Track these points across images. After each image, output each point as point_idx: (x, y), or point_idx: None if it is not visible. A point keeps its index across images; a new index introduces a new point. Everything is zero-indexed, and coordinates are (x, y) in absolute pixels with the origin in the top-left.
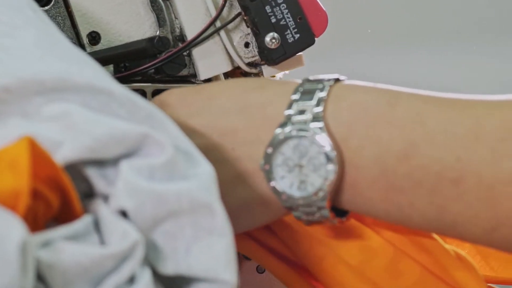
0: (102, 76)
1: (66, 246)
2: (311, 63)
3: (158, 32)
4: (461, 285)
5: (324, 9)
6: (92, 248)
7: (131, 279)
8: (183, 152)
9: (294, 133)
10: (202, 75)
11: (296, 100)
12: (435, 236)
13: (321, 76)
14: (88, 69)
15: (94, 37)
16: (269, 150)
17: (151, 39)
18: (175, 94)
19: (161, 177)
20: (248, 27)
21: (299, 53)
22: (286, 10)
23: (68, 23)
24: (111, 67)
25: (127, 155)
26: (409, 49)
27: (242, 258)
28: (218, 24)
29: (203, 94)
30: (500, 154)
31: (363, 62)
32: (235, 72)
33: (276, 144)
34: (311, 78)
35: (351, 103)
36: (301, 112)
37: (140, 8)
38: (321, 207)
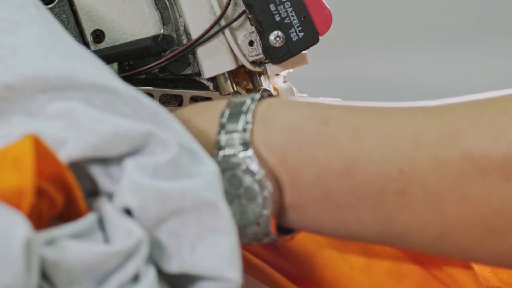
0: (106, 74)
1: (71, 244)
2: (315, 61)
3: (162, 31)
4: (463, 287)
5: (328, 7)
6: (96, 246)
7: (136, 277)
8: (187, 150)
9: (225, 165)
10: (207, 74)
11: (223, 126)
12: None
13: (244, 97)
14: (92, 67)
15: (98, 35)
16: None
17: (155, 38)
18: None
19: (166, 175)
20: (252, 25)
21: (304, 52)
22: (291, 9)
23: (72, 21)
24: (115, 65)
25: (132, 153)
26: (414, 48)
27: None
28: (222, 22)
29: None
30: (442, 161)
31: (367, 61)
32: (239, 71)
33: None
34: (236, 99)
35: (280, 125)
36: (229, 141)
37: (145, 6)
38: (266, 233)
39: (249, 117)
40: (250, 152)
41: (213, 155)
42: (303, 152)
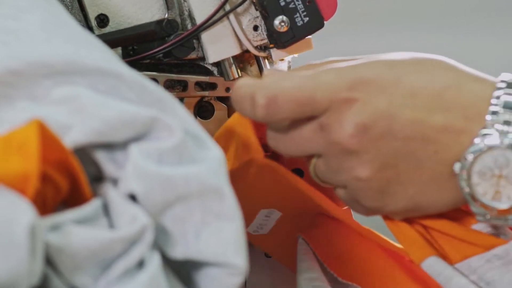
0: (111, 59)
1: (75, 230)
2: (319, 46)
3: (166, 15)
4: None
5: None
6: (101, 232)
7: (140, 263)
8: (192, 135)
9: (497, 144)
10: (211, 58)
11: (497, 106)
12: None
13: None
14: (96, 51)
15: (103, 20)
16: (469, 157)
17: (159, 22)
18: (374, 75)
19: (171, 160)
20: (257, 10)
21: (308, 36)
22: None
23: (76, 5)
24: (119, 49)
25: (137, 138)
26: (419, 29)
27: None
28: (227, 7)
29: (404, 88)
30: None
31: (371, 45)
32: (244, 55)
33: (476, 152)
34: (509, 80)
35: None
36: (505, 122)
37: None
38: (511, 219)
39: None
40: None
41: (483, 130)
42: None
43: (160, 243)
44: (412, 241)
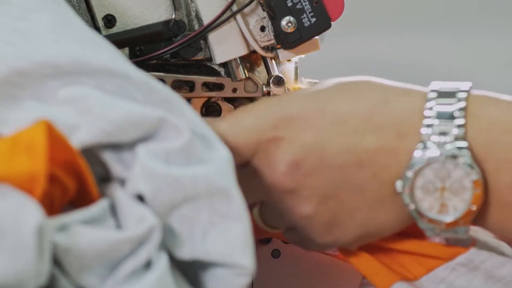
0: (118, 59)
1: (83, 230)
2: (326, 46)
3: (173, 15)
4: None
5: None
6: (108, 232)
7: (148, 264)
8: (199, 136)
9: (436, 156)
10: (218, 59)
11: (431, 118)
12: None
13: (449, 87)
14: (104, 52)
15: (110, 20)
16: (409, 174)
17: (166, 22)
18: (296, 110)
19: (178, 161)
20: (264, 10)
21: (315, 37)
22: None
23: (83, 5)
24: (126, 50)
25: (144, 139)
26: (424, 30)
27: (257, 242)
28: (234, 8)
29: (329, 117)
30: None
31: (377, 45)
32: (251, 56)
33: (416, 167)
34: (440, 89)
35: (489, 123)
36: (441, 133)
37: None
38: (460, 231)
39: (462, 113)
40: (465, 148)
41: (419, 144)
42: (507, 154)
43: (167, 243)
44: (374, 271)
